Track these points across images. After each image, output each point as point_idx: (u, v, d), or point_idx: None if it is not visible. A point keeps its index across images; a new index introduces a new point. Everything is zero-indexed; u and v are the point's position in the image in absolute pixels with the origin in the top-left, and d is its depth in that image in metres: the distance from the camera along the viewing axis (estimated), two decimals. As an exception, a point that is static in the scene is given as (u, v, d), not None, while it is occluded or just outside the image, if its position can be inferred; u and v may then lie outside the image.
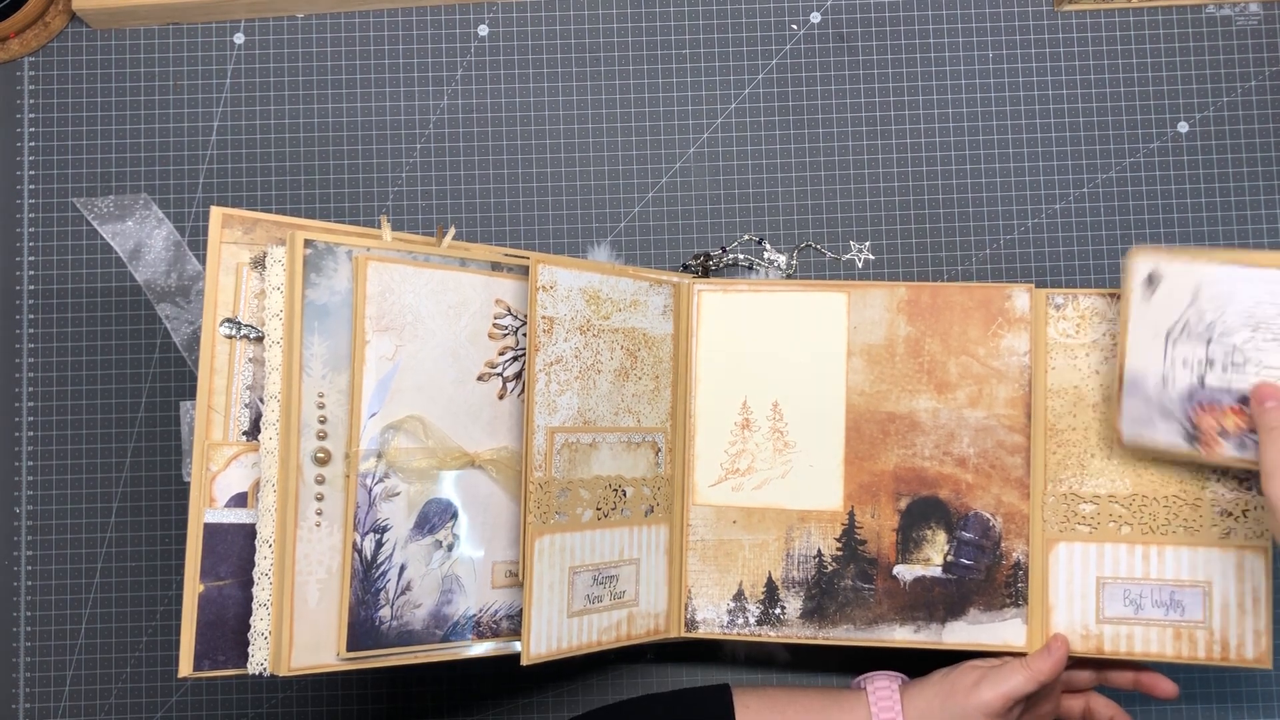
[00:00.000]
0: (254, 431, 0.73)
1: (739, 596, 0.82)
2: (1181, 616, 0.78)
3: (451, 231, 0.77)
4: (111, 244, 0.91)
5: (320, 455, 0.70)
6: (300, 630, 0.68)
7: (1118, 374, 0.77)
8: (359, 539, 0.70)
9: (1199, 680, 0.88)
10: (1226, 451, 0.74)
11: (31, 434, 0.90)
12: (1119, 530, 0.79)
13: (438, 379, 0.73)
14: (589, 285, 0.78)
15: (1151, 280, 0.75)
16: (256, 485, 0.72)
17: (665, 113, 0.92)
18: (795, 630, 0.81)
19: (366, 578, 0.70)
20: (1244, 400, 0.73)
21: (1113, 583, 0.79)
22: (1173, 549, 0.78)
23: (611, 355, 0.79)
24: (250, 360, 0.73)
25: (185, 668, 0.70)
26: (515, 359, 0.77)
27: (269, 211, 0.90)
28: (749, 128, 0.92)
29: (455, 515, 0.74)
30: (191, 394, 0.90)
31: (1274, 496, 0.66)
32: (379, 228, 0.75)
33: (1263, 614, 0.77)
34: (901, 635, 0.80)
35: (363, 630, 0.70)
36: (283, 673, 0.68)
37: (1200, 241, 0.90)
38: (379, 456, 0.71)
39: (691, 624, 0.82)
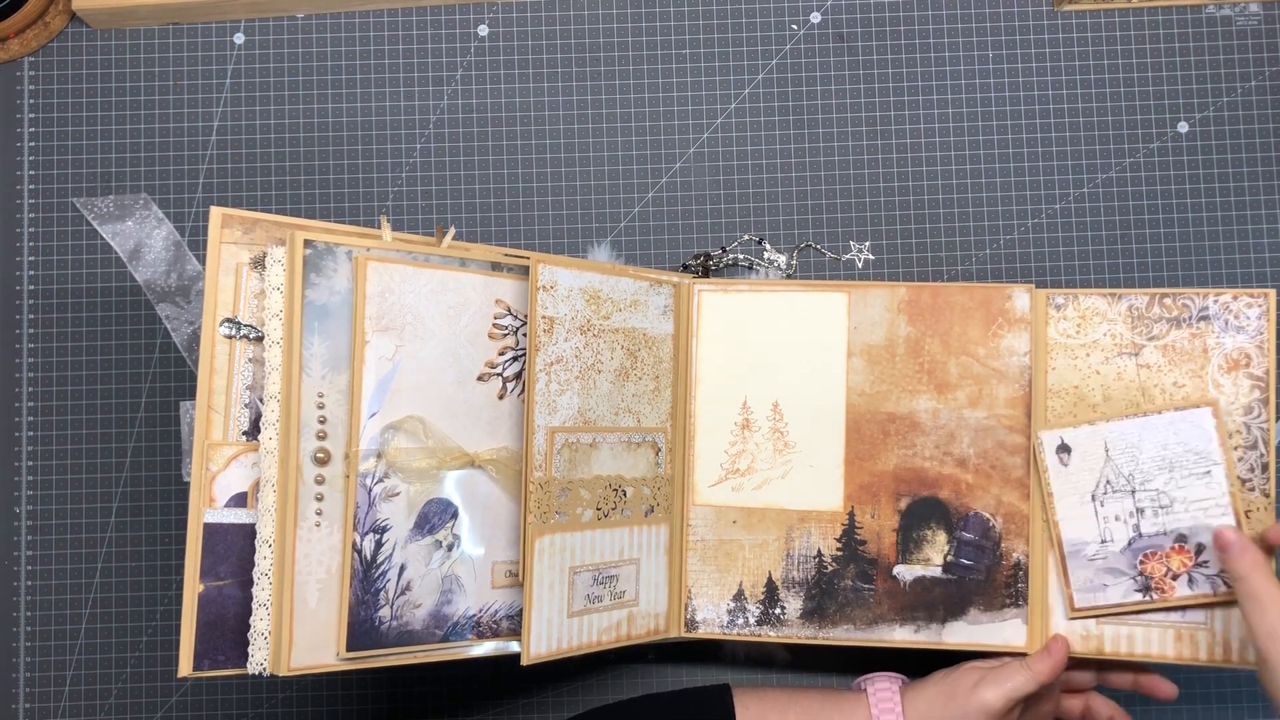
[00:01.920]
0: (254, 431, 0.73)
1: (739, 596, 0.82)
2: (1183, 618, 0.78)
3: (451, 231, 0.77)
4: (111, 244, 0.91)
5: (320, 455, 0.70)
6: (300, 630, 0.68)
7: (1057, 550, 0.79)
8: (359, 539, 0.70)
9: (1199, 681, 0.88)
10: (1180, 591, 0.77)
11: (31, 434, 0.90)
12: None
13: (438, 379, 0.73)
14: (589, 285, 0.78)
15: (1062, 450, 0.79)
16: (256, 485, 0.72)
17: (665, 113, 0.92)
18: (795, 630, 0.81)
19: (366, 578, 0.70)
20: (1181, 538, 0.77)
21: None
22: None
23: (612, 355, 0.79)
24: (250, 360, 0.73)
25: (185, 668, 0.70)
26: (515, 359, 0.77)
27: (269, 211, 0.90)
28: (749, 128, 0.92)
29: (455, 515, 0.74)
30: (191, 394, 0.90)
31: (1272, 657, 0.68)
32: (379, 228, 0.75)
33: None
34: (901, 635, 0.80)
35: (362, 630, 0.70)
36: (282, 673, 0.68)
37: (1200, 241, 0.90)
38: (379, 456, 0.71)
39: (691, 624, 0.82)
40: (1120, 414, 0.79)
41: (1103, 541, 0.78)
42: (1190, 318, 0.79)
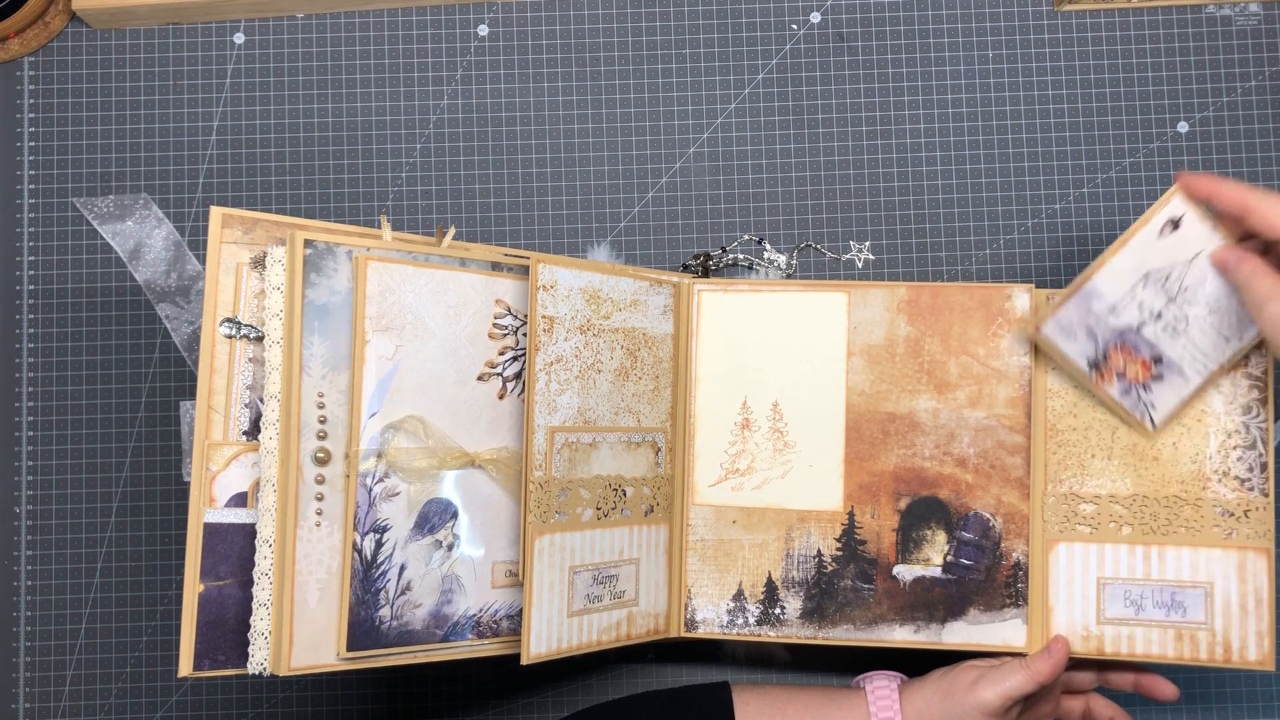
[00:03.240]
0: (254, 431, 0.73)
1: (739, 596, 0.82)
2: (1183, 618, 0.78)
3: (451, 231, 0.77)
4: (111, 244, 0.91)
5: (320, 455, 0.70)
6: (300, 630, 0.68)
7: (1078, 281, 0.77)
8: (359, 539, 0.70)
9: (1199, 681, 0.88)
10: (1112, 391, 0.78)
11: (31, 434, 0.90)
12: (1120, 531, 0.79)
13: (438, 379, 0.73)
14: (589, 285, 0.78)
15: (1173, 225, 0.76)
16: (256, 485, 0.72)
17: (665, 113, 0.92)
18: (795, 630, 0.81)
19: (366, 577, 0.70)
20: (1158, 359, 0.77)
21: (1113, 583, 0.79)
22: (1174, 550, 0.78)
23: (612, 355, 0.79)
24: (250, 360, 0.73)
25: (185, 667, 0.70)
26: (515, 359, 0.77)
27: (269, 211, 0.90)
28: (749, 128, 0.92)
29: (455, 515, 0.74)
30: (191, 394, 0.90)
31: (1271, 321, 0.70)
32: (379, 228, 0.75)
33: (1265, 615, 0.77)
34: (901, 635, 0.80)
35: (362, 630, 0.70)
36: (283, 672, 0.68)
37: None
38: (379, 456, 0.71)
39: (691, 624, 0.82)
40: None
41: (1113, 307, 0.77)
42: None
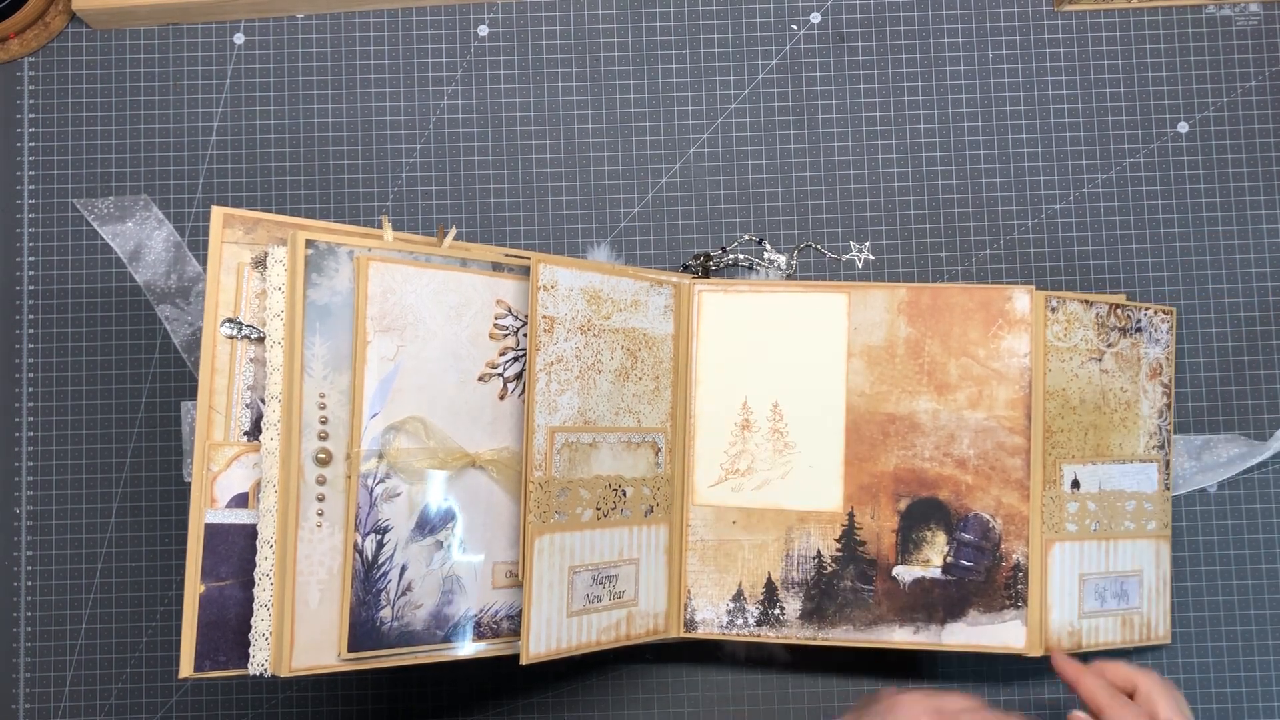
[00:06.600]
0: (255, 432, 0.73)
1: (738, 597, 0.82)
2: (1126, 605, 0.83)
3: (453, 232, 0.77)
4: (111, 245, 0.91)
5: (321, 456, 0.70)
6: (301, 631, 0.68)
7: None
8: (360, 540, 0.70)
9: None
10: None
11: (31, 434, 0.90)
12: (1090, 528, 0.81)
13: (439, 379, 0.73)
14: (590, 285, 0.78)
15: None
16: (257, 486, 0.72)
17: (665, 113, 0.92)
18: (794, 631, 0.81)
19: (367, 578, 0.70)
20: None
21: (1089, 579, 0.81)
22: (1124, 543, 0.83)
23: (612, 355, 0.79)
24: (251, 360, 0.73)
25: (186, 668, 0.70)
26: (516, 359, 0.77)
27: (269, 212, 0.90)
28: (749, 128, 0.92)
29: (456, 516, 0.74)
30: (191, 394, 0.90)
31: None
32: (380, 228, 0.75)
33: (1167, 595, 0.84)
34: (901, 636, 0.80)
35: (364, 631, 0.70)
36: (284, 674, 0.68)
37: (1199, 242, 0.90)
38: (380, 457, 0.71)
39: (691, 624, 0.82)
40: (1090, 420, 0.83)
41: None
42: (1131, 328, 0.84)
